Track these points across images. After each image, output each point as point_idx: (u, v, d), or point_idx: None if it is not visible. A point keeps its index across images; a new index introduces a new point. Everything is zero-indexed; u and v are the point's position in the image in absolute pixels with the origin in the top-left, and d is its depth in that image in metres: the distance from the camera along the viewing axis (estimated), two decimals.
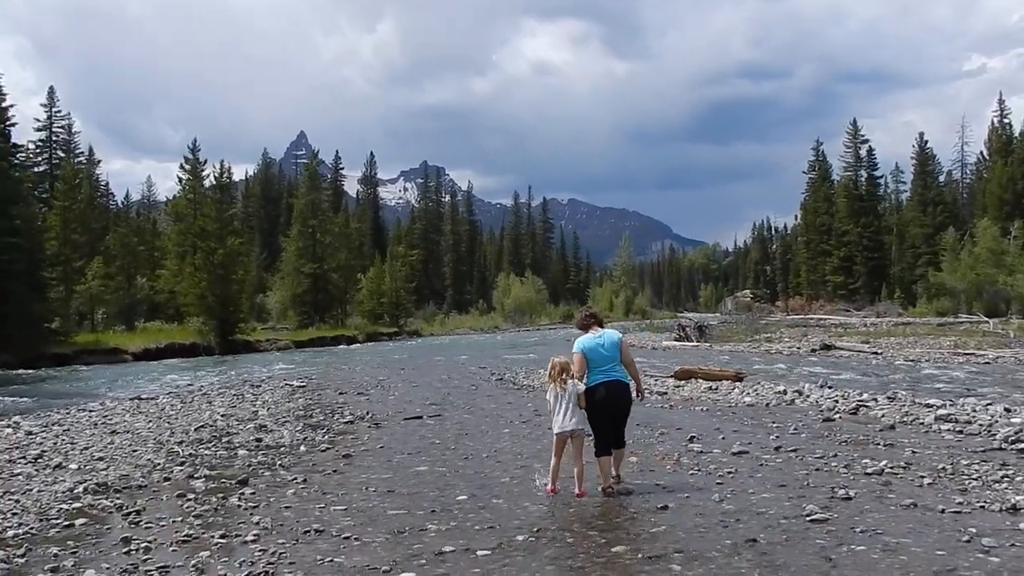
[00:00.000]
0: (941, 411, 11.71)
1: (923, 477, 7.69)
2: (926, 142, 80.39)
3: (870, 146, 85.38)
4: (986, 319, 48.35)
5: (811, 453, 9.12)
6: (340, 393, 18.00)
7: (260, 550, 5.89)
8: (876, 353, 28.36)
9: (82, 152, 67.65)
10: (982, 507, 6.57)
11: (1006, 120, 77.03)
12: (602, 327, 7.92)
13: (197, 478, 8.71)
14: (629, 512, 6.85)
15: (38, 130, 61.05)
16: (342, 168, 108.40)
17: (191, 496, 7.74)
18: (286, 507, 7.26)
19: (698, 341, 40.48)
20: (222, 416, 14.03)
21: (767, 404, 13.99)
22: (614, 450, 7.57)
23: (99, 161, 68.46)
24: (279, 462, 9.56)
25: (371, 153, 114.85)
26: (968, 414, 11.46)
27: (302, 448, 10.60)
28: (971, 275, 59.89)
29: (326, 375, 24.47)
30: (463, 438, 11.13)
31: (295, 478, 8.52)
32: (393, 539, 6.16)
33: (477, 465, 9.10)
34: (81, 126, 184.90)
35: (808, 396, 14.56)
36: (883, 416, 11.89)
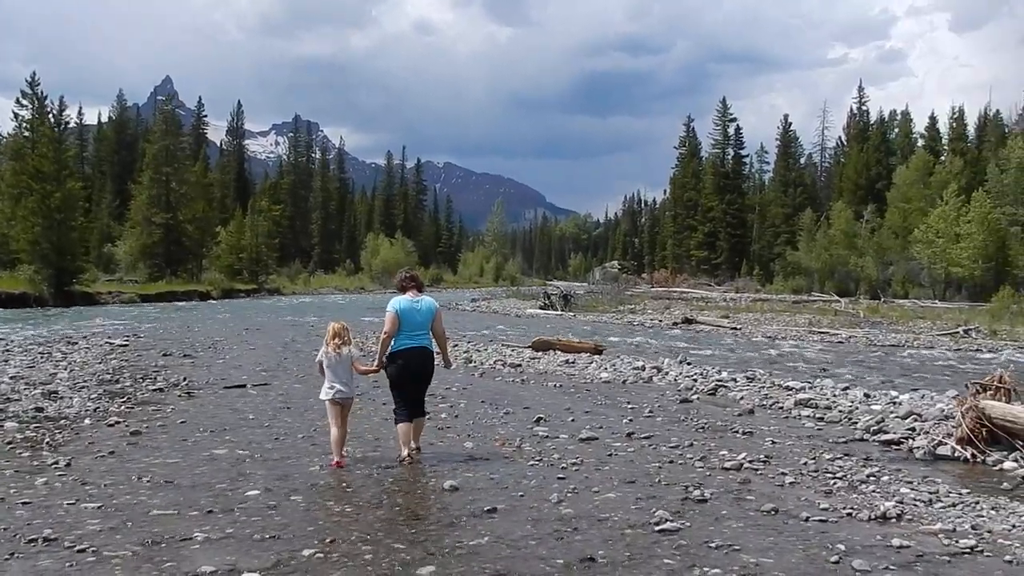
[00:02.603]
0: (801, 395, 11.13)
1: (784, 475, 6.88)
2: (790, 124, 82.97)
3: (738, 125, 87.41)
4: (838, 298, 49.96)
5: (666, 441, 8.24)
6: (164, 354, 16.19)
7: None
8: (735, 328, 28.38)
9: None
10: (849, 514, 5.77)
11: (864, 108, 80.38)
12: (421, 291, 7.44)
13: None
14: (450, 515, 5.72)
15: None
16: (205, 116, 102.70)
17: None
18: (24, 503, 5.78)
19: (563, 310, 39.97)
20: (10, 378, 12.09)
21: (624, 381, 13.19)
22: (415, 419, 7.23)
23: None
24: (48, 439, 7.96)
25: (238, 102, 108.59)
26: (828, 399, 10.91)
27: (86, 421, 8.99)
28: (825, 256, 62.21)
29: (159, 333, 22.37)
30: (283, 413, 9.78)
31: (56, 461, 6.98)
32: (144, 552, 4.82)
33: (287, 448, 7.78)
34: None
35: (667, 373, 13.85)
36: (742, 399, 11.22)
